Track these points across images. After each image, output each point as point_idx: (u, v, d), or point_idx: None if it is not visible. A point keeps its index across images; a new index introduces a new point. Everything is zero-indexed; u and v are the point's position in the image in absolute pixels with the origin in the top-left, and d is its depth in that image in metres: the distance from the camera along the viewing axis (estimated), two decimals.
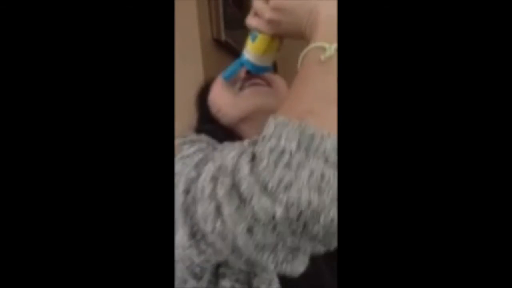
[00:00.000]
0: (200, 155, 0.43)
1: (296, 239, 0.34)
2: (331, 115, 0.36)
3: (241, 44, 0.58)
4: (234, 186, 0.35)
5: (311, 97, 0.38)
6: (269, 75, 0.62)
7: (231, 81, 0.60)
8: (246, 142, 0.39)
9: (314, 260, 0.40)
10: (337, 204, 0.33)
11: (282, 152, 0.34)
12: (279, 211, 0.32)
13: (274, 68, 0.60)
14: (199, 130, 0.59)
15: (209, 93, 0.62)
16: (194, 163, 0.42)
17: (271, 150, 0.34)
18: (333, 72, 0.38)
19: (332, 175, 0.33)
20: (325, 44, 0.39)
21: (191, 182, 0.41)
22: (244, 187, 0.34)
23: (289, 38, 0.50)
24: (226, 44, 1.36)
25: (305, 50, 0.41)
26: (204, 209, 0.37)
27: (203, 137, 0.52)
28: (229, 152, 0.38)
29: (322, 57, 0.39)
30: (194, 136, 0.51)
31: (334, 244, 0.35)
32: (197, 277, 0.43)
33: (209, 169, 0.38)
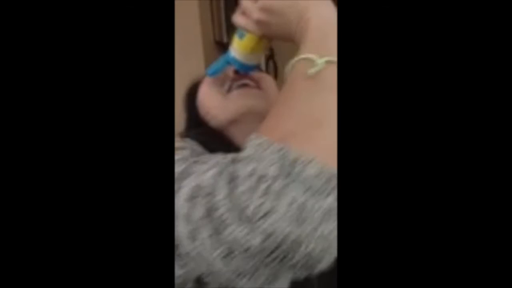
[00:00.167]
0: (182, 166, 0.41)
1: (275, 266, 0.32)
2: (316, 138, 0.34)
3: None
4: (211, 210, 0.32)
5: (295, 118, 0.36)
6: (259, 75, 0.59)
7: (219, 82, 0.57)
8: (227, 158, 0.36)
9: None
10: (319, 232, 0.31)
11: (262, 177, 0.32)
12: (256, 241, 0.30)
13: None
14: (185, 135, 0.56)
15: (197, 95, 0.59)
16: (175, 175, 0.40)
17: (251, 174, 0.32)
18: (321, 89, 0.36)
19: (313, 204, 0.31)
20: (314, 56, 0.36)
21: None
22: (220, 212, 0.32)
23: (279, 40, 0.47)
24: (228, 47, 1.34)
25: (292, 61, 0.38)
26: (181, 228, 0.35)
27: (188, 143, 0.50)
28: (208, 169, 0.36)
29: (309, 72, 0.36)
30: (178, 143, 0.49)
31: (317, 269, 0.33)
32: (181, 286, 0.42)
33: (187, 187, 0.36)
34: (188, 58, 1.21)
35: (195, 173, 0.37)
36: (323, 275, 0.39)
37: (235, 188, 0.32)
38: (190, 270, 0.38)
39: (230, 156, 0.36)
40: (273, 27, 0.44)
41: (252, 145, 0.34)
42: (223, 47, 1.35)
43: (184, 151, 0.45)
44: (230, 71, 0.57)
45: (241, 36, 0.50)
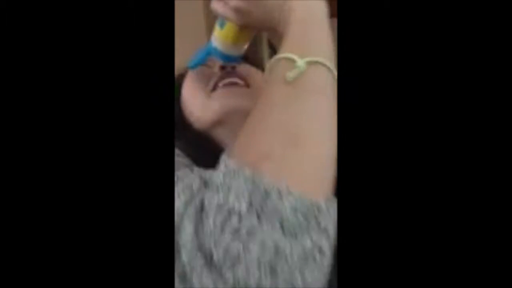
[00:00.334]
0: None
1: None
2: (292, 160, 0.30)
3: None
4: (176, 250, 0.29)
5: (270, 134, 0.31)
6: (247, 71, 0.54)
7: (204, 78, 0.52)
8: (198, 181, 0.32)
9: None
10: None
11: (231, 213, 0.28)
12: None
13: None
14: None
15: (181, 91, 0.54)
16: None
17: (219, 208, 0.28)
18: (299, 97, 0.32)
19: (289, 246, 0.27)
20: (294, 56, 0.32)
21: None
22: (185, 255, 0.28)
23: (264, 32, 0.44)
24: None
25: (271, 61, 0.34)
26: None
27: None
28: (178, 195, 0.31)
29: (288, 77, 0.31)
30: None
31: None
32: None
33: None
34: (190, 58, 1.20)
35: None
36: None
37: (203, 224, 0.28)
38: None
39: (202, 177, 0.33)
40: (254, 16, 0.40)
41: (220, 170, 0.30)
42: None
43: None
44: (216, 66, 0.53)
45: (221, 25, 0.46)
